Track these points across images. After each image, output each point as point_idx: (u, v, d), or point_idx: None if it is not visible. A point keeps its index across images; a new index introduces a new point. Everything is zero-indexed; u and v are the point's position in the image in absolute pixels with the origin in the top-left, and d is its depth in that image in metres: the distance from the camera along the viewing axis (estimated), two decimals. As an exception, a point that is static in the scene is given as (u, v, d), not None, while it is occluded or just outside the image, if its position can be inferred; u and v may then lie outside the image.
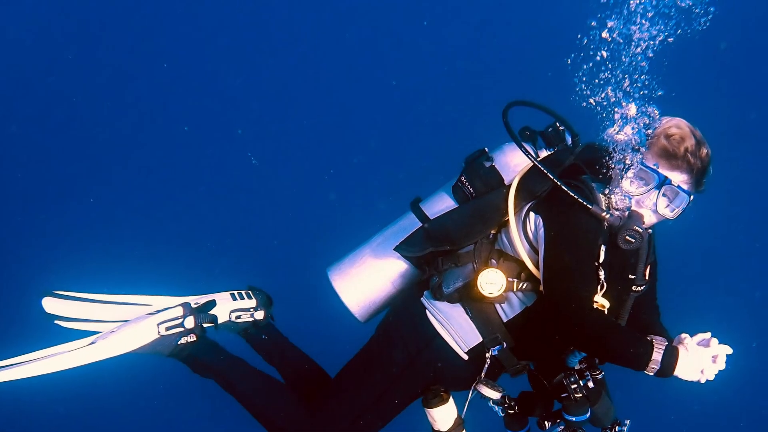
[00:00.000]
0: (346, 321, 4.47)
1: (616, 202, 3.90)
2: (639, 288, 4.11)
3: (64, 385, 4.73)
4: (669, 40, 3.87)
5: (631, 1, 3.86)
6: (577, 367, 4.14)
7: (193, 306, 4.33)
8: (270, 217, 11.72)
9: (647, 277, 4.16)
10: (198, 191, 12.01)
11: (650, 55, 3.85)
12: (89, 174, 11.97)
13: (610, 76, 3.84)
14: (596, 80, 3.84)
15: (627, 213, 3.86)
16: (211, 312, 4.37)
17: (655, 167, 3.80)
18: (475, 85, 12.57)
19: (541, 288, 3.83)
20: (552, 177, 3.88)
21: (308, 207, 11.71)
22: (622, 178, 3.87)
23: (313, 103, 12.82)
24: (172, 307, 4.28)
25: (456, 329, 4.12)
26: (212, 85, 12.72)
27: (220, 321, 4.43)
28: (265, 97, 12.92)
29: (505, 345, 4.08)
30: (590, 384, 4.12)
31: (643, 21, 3.85)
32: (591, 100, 3.86)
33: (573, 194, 3.80)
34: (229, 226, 11.76)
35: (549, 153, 4.32)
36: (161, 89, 12.49)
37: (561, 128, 4.34)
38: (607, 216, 3.80)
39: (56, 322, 4.28)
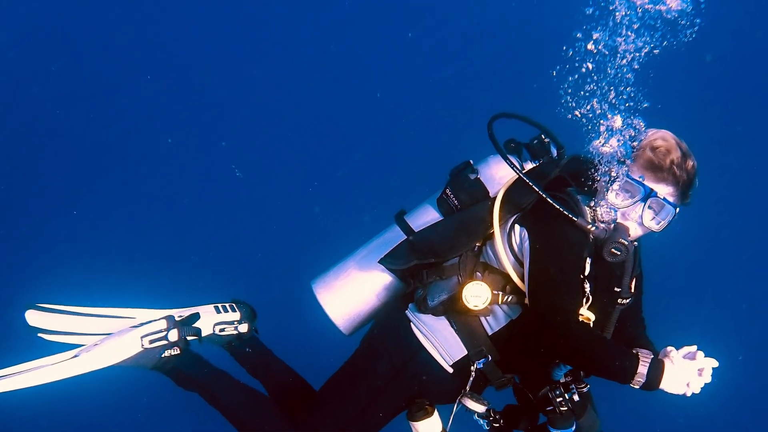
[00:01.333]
0: (331, 334, 4.46)
1: (601, 214, 3.90)
2: (624, 301, 4.10)
3: (48, 399, 4.70)
4: (655, 51, 3.87)
5: (617, 13, 3.86)
6: (562, 380, 4.14)
7: (177, 319, 4.31)
8: (254, 230, 11.72)
9: (633, 290, 4.14)
10: (182, 203, 12.00)
11: (636, 66, 3.85)
12: (73, 186, 11.95)
13: (595, 87, 3.84)
14: (582, 92, 3.84)
15: (612, 225, 3.85)
16: (195, 325, 4.35)
17: (640, 180, 3.79)
18: (459, 97, 12.60)
19: (527, 301, 3.83)
20: (537, 189, 3.88)
21: (293, 219, 11.71)
22: (607, 191, 3.86)
23: (298, 116, 12.83)
24: (155, 320, 4.26)
25: (441, 342, 4.11)
26: (196, 97, 12.72)
27: (204, 334, 4.41)
28: (250, 109, 12.93)
29: (490, 358, 4.07)
30: (576, 397, 4.12)
31: (629, 33, 3.86)
32: (576, 112, 3.85)
33: (558, 207, 3.79)
34: (214, 238, 11.75)
35: (534, 165, 4.31)
36: (145, 101, 12.49)
37: (546, 140, 4.34)
38: (593, 228, 3.79)
39: (39, 335, 4.25)
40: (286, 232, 11.61)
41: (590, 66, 3.86)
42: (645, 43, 3.86)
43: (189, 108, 12.59)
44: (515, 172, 4.00)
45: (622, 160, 3.82)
